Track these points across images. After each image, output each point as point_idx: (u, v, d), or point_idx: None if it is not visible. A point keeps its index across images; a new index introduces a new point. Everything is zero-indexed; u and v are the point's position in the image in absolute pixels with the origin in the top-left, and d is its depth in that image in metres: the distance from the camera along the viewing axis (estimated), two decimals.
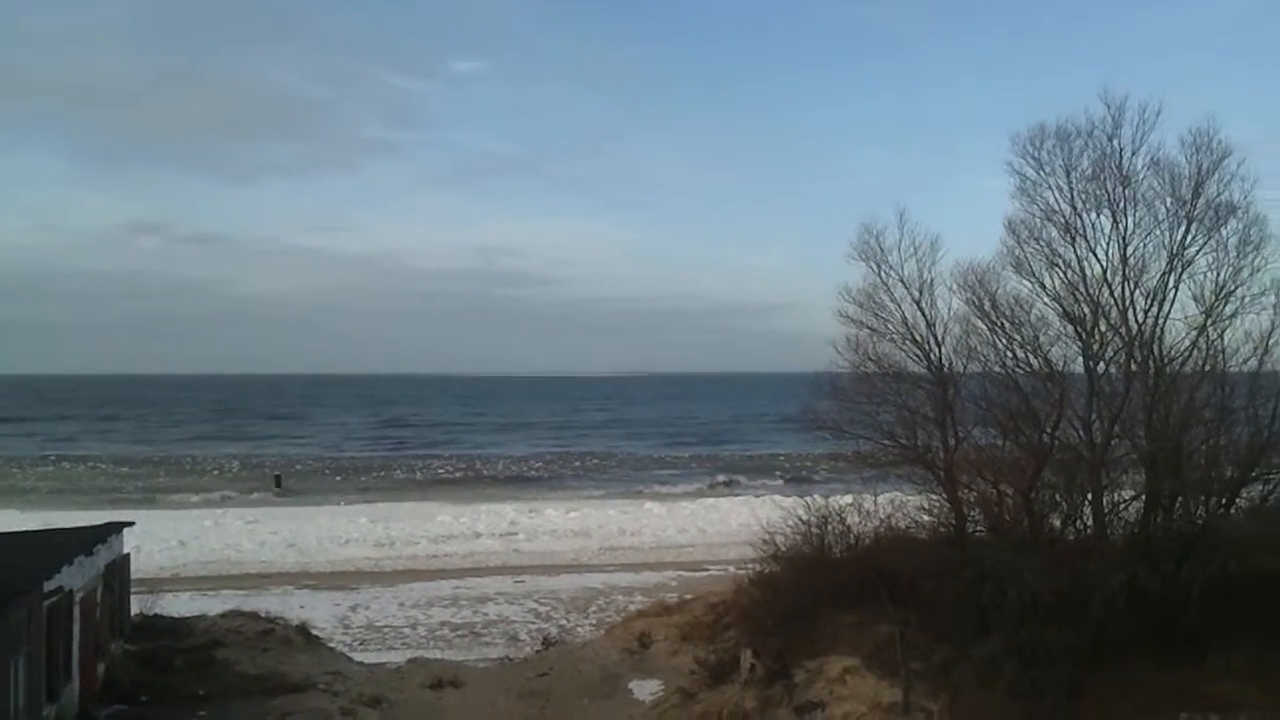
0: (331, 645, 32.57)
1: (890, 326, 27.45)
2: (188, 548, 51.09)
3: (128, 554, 29.93)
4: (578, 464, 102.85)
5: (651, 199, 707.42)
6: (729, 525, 58.06)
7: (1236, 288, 24.20)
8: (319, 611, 37.74)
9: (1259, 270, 24.08)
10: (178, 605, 34.91)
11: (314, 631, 32.83)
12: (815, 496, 32.14)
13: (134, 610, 30.47)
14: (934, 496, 27.36)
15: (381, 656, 32.33)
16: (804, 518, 29.81)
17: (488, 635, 35.82)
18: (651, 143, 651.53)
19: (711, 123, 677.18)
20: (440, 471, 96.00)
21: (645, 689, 27.49)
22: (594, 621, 37.40)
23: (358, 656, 32.07)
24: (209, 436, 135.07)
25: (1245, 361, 24.47)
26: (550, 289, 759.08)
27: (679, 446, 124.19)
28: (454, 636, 35.74)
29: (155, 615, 31.42)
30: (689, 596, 36.58)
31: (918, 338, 27.13)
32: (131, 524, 30.63)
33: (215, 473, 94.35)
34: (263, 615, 32.86)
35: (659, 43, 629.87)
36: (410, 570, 47.71)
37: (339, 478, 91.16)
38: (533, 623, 37.38)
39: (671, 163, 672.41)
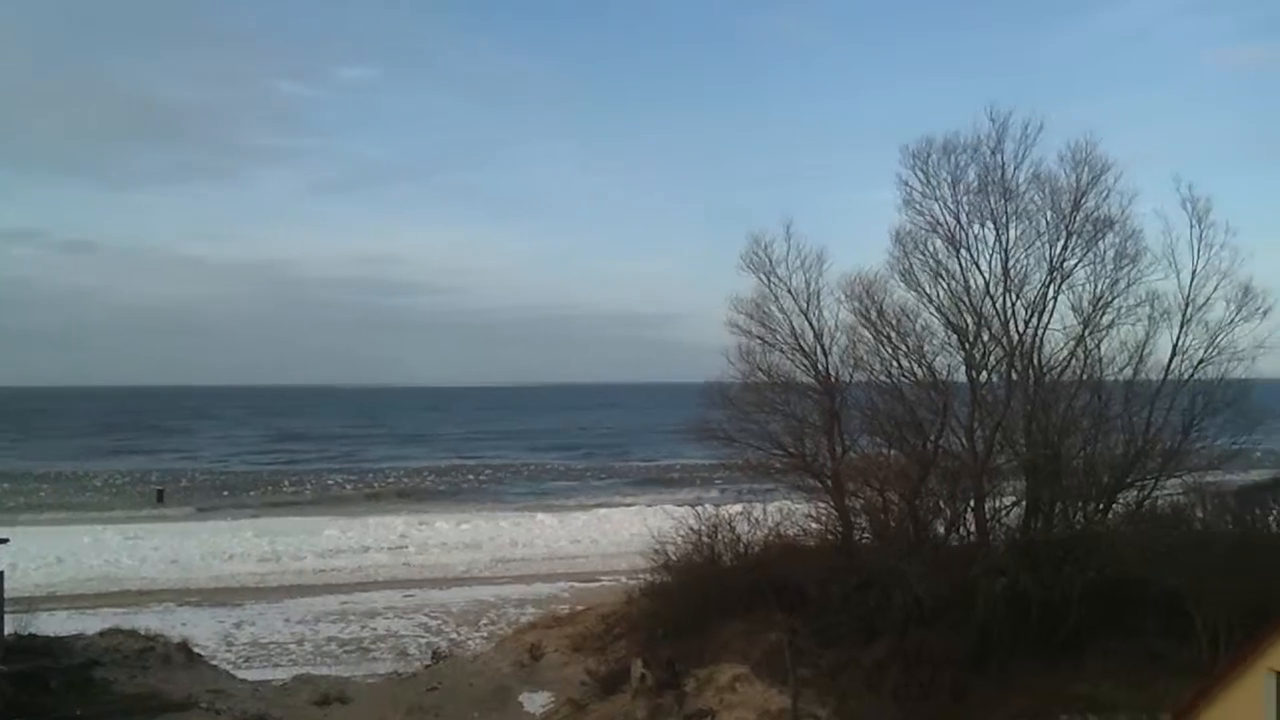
0: (214, 663, 31.73)
1: (779, 337, 27.78)
2: (65, 564, 49.59)
3: (1, 572, 28.88)
4: (471, 477, 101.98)
5: (545, 208, 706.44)
6: (621, 535, 58.02)
7: (1113, 299, 25.01)
8: (201, 628, 36.88)
9: (1134, 283, 24.96)
10: (54, 624, 33.86)
11: (196, 649, 31.90)
12: (707, 506, 32.31)
13: (8, 630, 29.33)
14: (822, 504, 27.70)
15: (266, 674, 31.66)
16: (695, 527, 29.94)
17: (376, 650, 35.34)
18: (543, 152, 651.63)
19: (604, 131, 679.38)
20: (330, 485, 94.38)
21: (536, 701, 27.29)
22: (485, 634, 37.09)
23: (242, 674, 31.32)
24: (92, 450, 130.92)
25: (1121, 370, 25.29)
26: (447, 298, 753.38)
27: (577, 457, 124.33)
28: (341, 652, 35.19)
29: (30, 634, 30.24)
30: (580, 607, 36.47)
31: (805, 348, 27.47)
32: (5, 541, 29.60)
33: (98, 487, 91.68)
34: (143, 633, 31.81)
35: (550, 54, 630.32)
36: (297, 585, 46.88)
37: (226, 492, 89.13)
38: (422, 636, 36.96)
39: (564, 172, 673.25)
